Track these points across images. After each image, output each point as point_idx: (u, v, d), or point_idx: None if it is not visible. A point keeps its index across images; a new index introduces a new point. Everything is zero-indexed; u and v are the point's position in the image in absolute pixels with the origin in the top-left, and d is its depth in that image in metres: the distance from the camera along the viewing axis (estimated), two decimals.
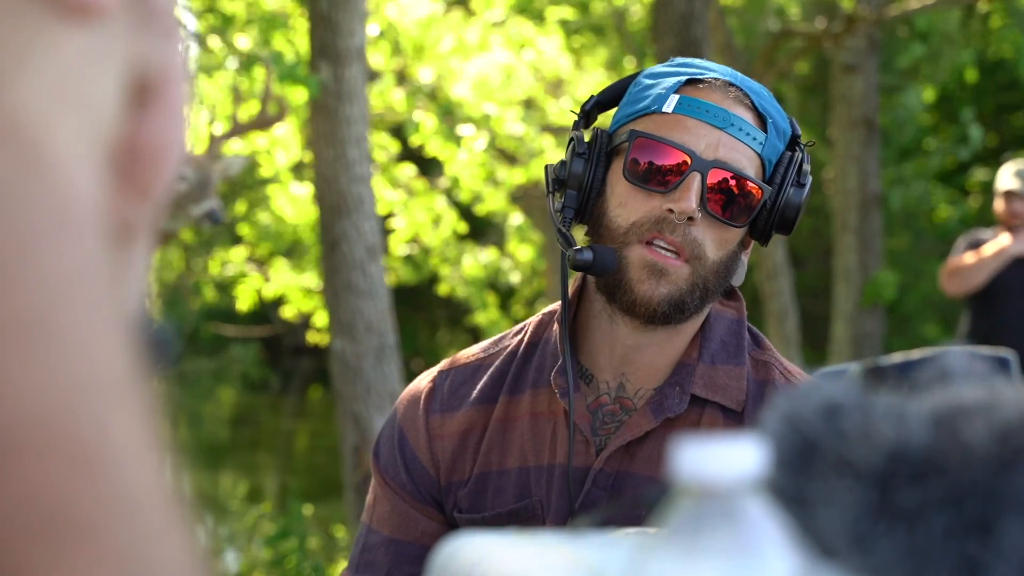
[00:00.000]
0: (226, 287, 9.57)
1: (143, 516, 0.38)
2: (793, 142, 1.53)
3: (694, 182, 1.42)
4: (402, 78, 7.87)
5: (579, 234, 1.55)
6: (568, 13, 10.21)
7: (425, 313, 15.88)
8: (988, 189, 9.99)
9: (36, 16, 0.40)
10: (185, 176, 4.21)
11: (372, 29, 7.29)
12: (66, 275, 0.38)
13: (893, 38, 11.23)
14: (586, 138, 1.53)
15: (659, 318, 1.45)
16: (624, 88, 1.56)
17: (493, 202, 8.41)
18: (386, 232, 8.36)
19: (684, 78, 1.48)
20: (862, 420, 0.64)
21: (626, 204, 1.46)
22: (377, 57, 7.68)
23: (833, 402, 0.65)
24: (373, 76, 7.41)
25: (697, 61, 1.53)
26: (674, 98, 1.47)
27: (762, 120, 1.48)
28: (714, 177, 1.43)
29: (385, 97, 7.48)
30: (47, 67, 0.40)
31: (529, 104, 8.57)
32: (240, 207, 9.81)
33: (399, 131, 8.04)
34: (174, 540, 0.39)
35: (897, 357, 0.73)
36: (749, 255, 1.55)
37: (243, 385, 16.62)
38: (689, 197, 1.41)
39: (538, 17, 9.74)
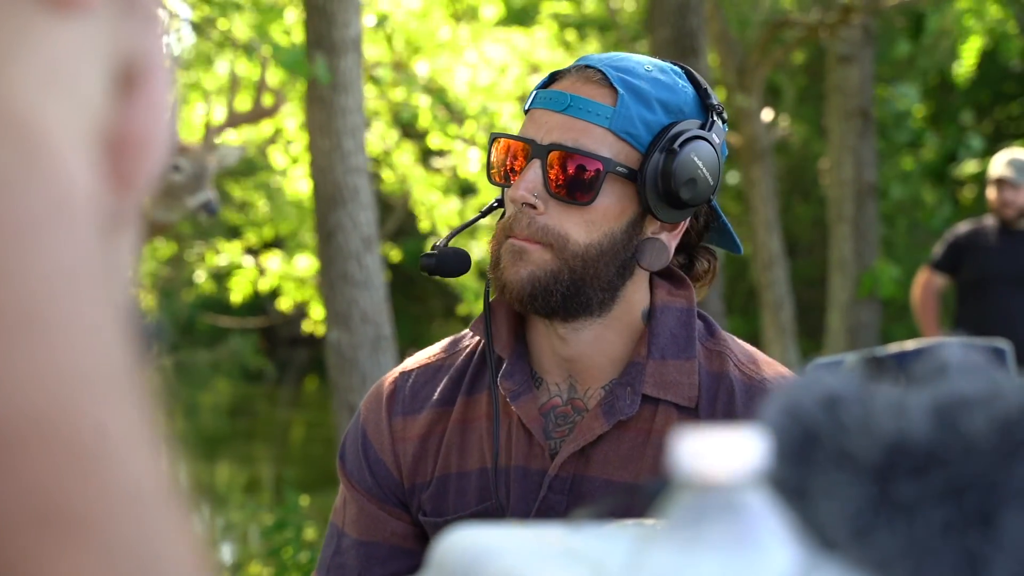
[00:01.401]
0: (221, 278, 9.56)
1: (144, 509, 0.38)
2: (707, 111, 1.49)
3: (529, 170, 1.43)
4: (398, 67, 7.86)
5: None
6: (563, 7, 10.19)
7: (421, 304, 15.87)
8: (981, 180, 9.99)
9: (23, 9, 0.40)
10: (181, 167, 4.20)
11: (368, 20, 7.28)
12: (64, 266, 0.38)
13: (889, 29, 11.22)
14: None
15: (527, 302, 1.44)
16: None
17: (490, 193, 8.41)
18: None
19: (551, 74, 1.51)
20: (862, 412, 0.64)
21: (506, 205, 1.49)
22: (373, 51, 7.67)
23: (833, 394, 0.65)
24: (373, 67, 7.40)
25: (590, 55, 1.53)
26: (533, 94, 1.50)
27: (615, 94, 1.45)
28: (552, 159, 1.43)
29: (385, 91, 7.47)
30: (37, 58, 0.40)
31: (524, 98, 8.57)
32: (239, 192, 9.82)
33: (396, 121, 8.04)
34: (175, 532, 0.39)
35: (893, 348, 0.73)
36: (677, 238, 1.50)
37: (240, 376, 16.61)
38: (516, 184, 1.43)
39: (532, 15, 9.73)
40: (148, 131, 0.45)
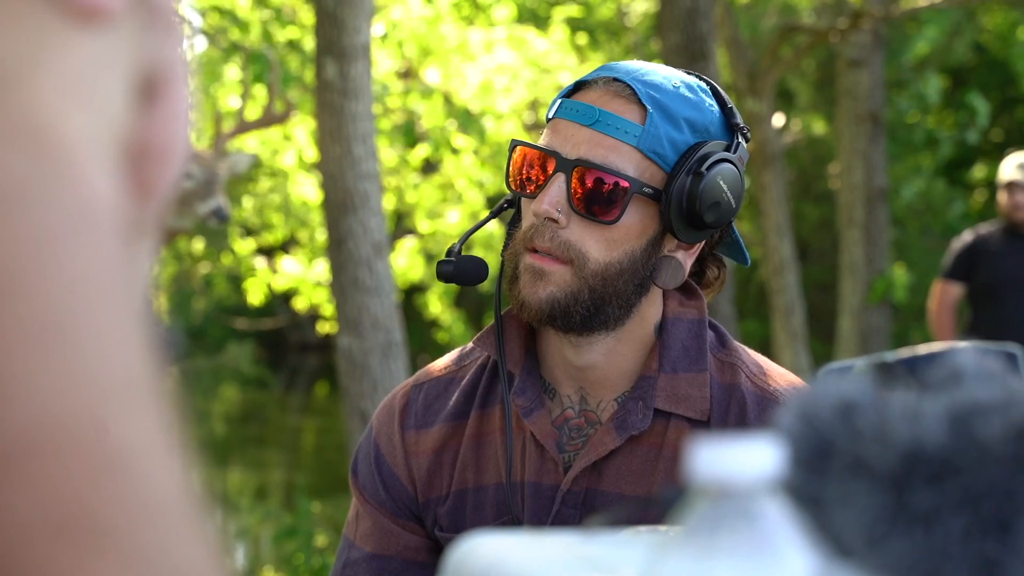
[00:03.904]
0: (236, 281, 9.60)
1: (164, 518, 0.38)
2: (732, 132, 1.48)
3: (554, 184, 1.41)
4: (407, 75, 7.88)
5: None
6: (573, 11, 10.20)
7: (431, 310, 15.85)
8: (992, 184, 9.97)
9: (47, 21, 0.41)
10: (191, 174, 4.21)
11: (377, 28, 7.29)
12: (86, 275, 0.38)
13: (899, 33, 11.21)
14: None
15: (547, 321, 1.44)
16: None
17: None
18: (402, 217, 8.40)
19: (575, 83, 1.48)
20: (878, 419, 0.64)
21: (524, 215, 1.47)
22: (386, 61, 7.68)
23: (849, 401, 0.65)
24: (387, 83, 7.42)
25: (615, 64, 1.50)
26: (557, 103, 1.47)
27: (644, 112, 1.44)
28: (577, 175, 1.41)
29: (395, 97, 7.48)
30: (60, 69, 0.40)
31: (535, 105, 8.57)
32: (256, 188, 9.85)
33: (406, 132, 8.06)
34: (194, 541, 0.39)
35: (904, 353, 0.73)
36: (694, 256, 1.50)
37: (243, 382, 16.61)
38: (541, 199, 1.41)
39: (542, 19, 9.73)
40: (169, 140, 0.45)
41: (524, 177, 1.45)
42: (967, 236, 5.63)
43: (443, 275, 1.50)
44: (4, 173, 0.37)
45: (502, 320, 1.52)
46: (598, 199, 1.41)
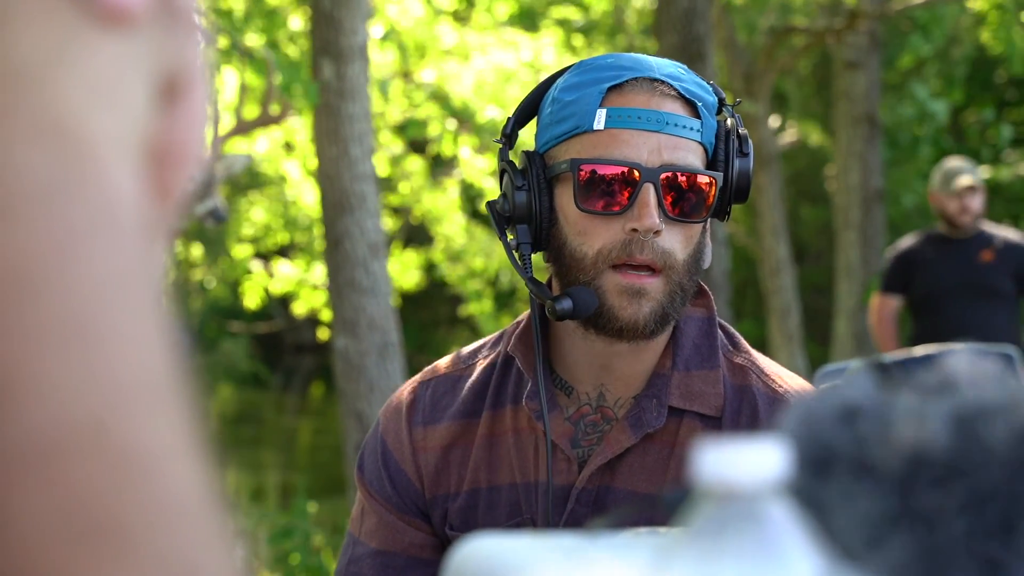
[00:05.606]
0: (232, 284, 9.59)
1: (186, 520, 0.38)
2: (721, 107, 1.49)
3: (649, 195, 1.39)
4: (406, 76, 7.89)
5: (539, 261, 1.53)
6: (569, 12, 10.21)
7: (428, 311, 15.87)
8: (991, 184, 9.98)
9: (72, 23, 0.41)
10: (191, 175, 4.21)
11: (376, 31, 7.29)
12: (109, 275, 0.38)
13: (895, 35, 11.22)
14: (513, 160, 1.51)
15: (648, 335, 1.43)
16: (536, 100, 1.53)
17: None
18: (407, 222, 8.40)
19: (604, 86, 1.43)
20: (881, 422, 0.64)
21: (586, 232, 1.43)
22: (381, 57, 7.68)
23: (852, 404, 0.65)
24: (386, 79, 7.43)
25: (608, 60, 1.47)
26: (601, 113, 1.42)
27: (692, 106, 1.44)
28: (666, 182, 1.40)
29: (394, 99, 7.49)
30: (84, 70, 0.41)
31: None
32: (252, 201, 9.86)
33: (403, 129, 8.06)
34: (215, 544, 0.39)
35: (900, 354, 0.73)
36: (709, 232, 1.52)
37: (239, 382, 16.58)
38: (650, 213, 1.38)
39: (537, 19, 9.73)
40: (187, 142, 0.45)
41: (600, 196, 1.41)
42: (900, 246, 5.59)
43: (563, 314, 1.42)
44: (29, 172, 0.38)
45: (522, 324, 1.53)
46: (689, 201, 1.42)
